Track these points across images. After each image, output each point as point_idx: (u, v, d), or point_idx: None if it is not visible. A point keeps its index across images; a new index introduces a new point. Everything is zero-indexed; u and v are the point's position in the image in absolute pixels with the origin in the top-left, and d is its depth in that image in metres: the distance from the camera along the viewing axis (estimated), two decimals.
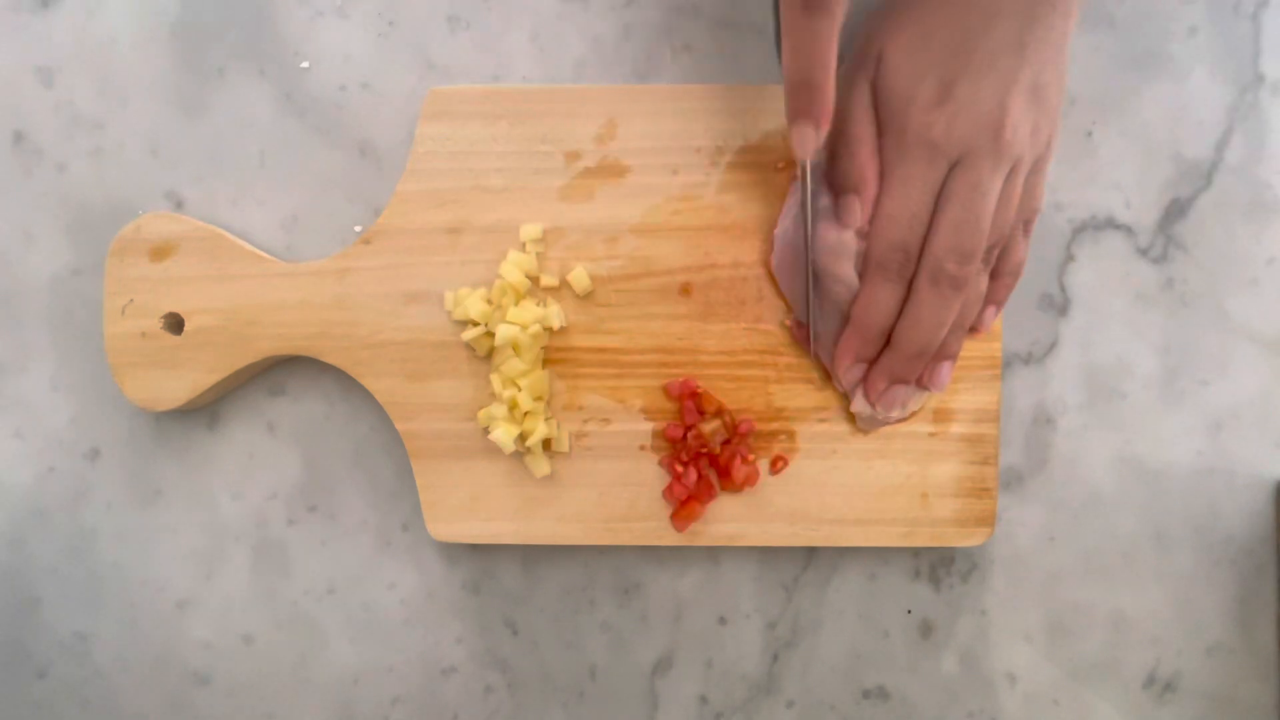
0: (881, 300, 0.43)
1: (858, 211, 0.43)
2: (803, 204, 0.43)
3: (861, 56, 0.42)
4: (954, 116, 0.40)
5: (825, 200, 0.44)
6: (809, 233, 0.44)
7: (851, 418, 0.47)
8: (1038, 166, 0.42)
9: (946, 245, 0.41)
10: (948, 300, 0.42)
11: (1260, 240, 0.49)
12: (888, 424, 0.47)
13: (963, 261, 0.41)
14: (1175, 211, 0.49)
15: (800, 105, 0.40)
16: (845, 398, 0.47)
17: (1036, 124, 0.40)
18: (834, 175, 0.44)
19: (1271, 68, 0.49)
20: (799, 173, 0.43)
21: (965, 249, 0.41)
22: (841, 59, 0.40)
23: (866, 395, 0.46)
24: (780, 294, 0.47)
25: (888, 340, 0.44)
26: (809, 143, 0.41)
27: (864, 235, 0.43)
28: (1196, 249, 0.49)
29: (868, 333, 0.44)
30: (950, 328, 0.44)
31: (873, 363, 0.45)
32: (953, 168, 0.41)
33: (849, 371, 0.45)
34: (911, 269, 0.43)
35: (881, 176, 0.42)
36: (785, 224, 0.46)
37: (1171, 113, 0.49)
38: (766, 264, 0.47)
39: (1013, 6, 0.39)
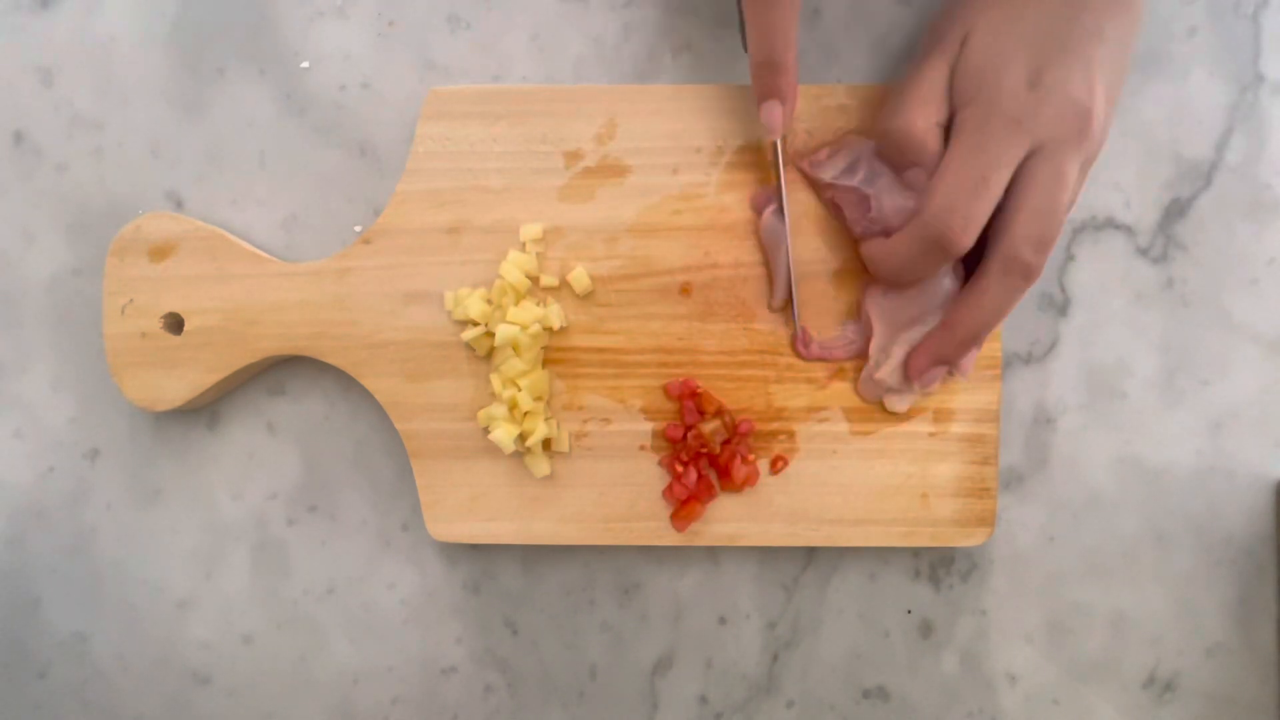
0: (919, 265, 0.42)
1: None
2: (776, 185, 0.44)
3: (941, 37, 0.42)
4: (1042, 102, 0.39)
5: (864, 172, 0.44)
6: (785, 210, 0.45)
7: (853, 416, 0.47)
8: (1091, 163, 0.42)
9: (1025, 233, 0.40)
10: (1017, 289, 0.41)
11: (1260, 240, 0.49)
12: (895, 395, 0.47)
13: (1040, 251, 0.40)
14: (1175, 211, 0.49)
15: (767, 85, 0.41)
16: (842, 396, 0.47)
17: (1107, 118, 0.40)
18: (891, 155, 0.43)
19: (1271, 68, 0.49)
20: (771, 154, 0.44)
21: (1045, 238, 0.40)
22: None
23: (907, 372, 0.45)
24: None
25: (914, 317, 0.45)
26: (777, 121, 0.42)
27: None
28: (1196, 249, 0.49)
29: (901, 291, 0.44)
30: None
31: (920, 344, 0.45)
32: (1031, 154, 0.40)
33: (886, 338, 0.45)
34: (959, 249, 0.41)
35: (951, 142, 0.41)
36: (767, 210, 0.47)
37: (1171, 113, 0.49)
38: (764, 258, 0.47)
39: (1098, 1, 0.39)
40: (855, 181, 0.45)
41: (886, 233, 0.44)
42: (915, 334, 0.45)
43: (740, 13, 0.43)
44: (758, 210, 0.47)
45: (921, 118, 0.41)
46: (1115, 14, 0.40)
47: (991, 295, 0.42)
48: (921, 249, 0.42)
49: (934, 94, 0.41)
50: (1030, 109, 0.39)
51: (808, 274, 0.47)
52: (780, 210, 0.46)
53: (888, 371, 0.46)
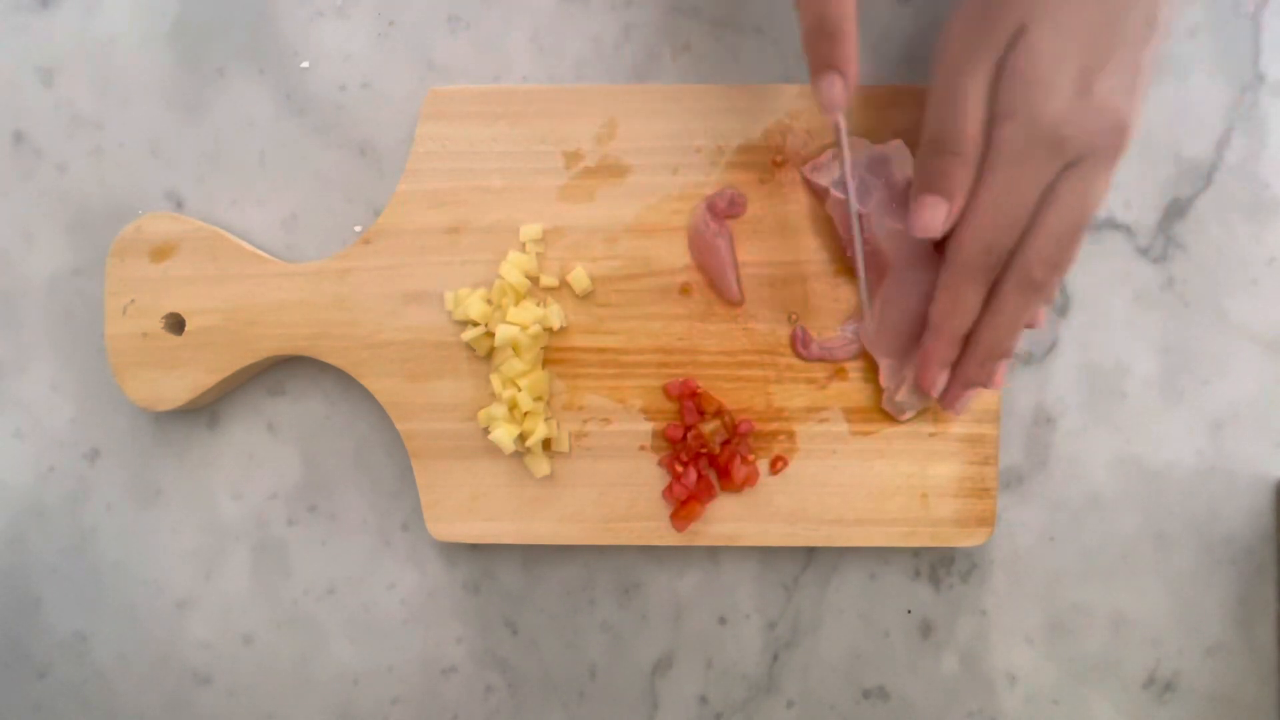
0: (965, 302, 0.40)
1: (942, 220, 0.39)
2: (842, 176, 0.41)
3: (991, 27, 0.38)
4: (1087, 113, 0.37)
5: (882, 189, 0.42)
6: (852, 204, 0.41)
7: (853, 416, 0.47)
8: None
9: (1042, 255, 0.39)
10: (1031, 306, 0.40)
11: (1260, 240, 0.49)
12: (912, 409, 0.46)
13: (1053, 270, 0.39)
14: (1175, 211, 0.49)
15: (822, 55, 0.37)
16: (842, 396, 0.47)
17: (1140, 122, 0.38)
18: (923, 168, 0.40)
19: (1271, 68, 0.49)
20: (834, 135, 0.40)
21: (1059, 259, 0.39)
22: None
23: (944, 402, 0.44)
24: (783, 297, 0.47)
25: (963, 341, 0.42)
26: (838, 96, 0.38)
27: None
28: (1196, 249, 0.49)
29: (951, 336, 0.41)
30: None
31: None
32: (1067, 166, 0.38)
33: (939, 379, 0.43)
34: (997, 272, 0.40)
35: (987, 163, 0.38)
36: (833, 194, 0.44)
37: (1171, 113, 0.49)
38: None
39: None
40: (851, 194, 0.44)
41: (877, 254, 0.44)
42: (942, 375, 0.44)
43: None
44: (717, 215, 0.46)
45: (972, 126, 0.38)
46: (1162, 1, 0.36)
47: (1008, 313, 0.40)
48: (973, 294, 0.40)
49: (978, 99, 0.38)
50: (1075, 121, 0.37)
51: (808, 274, 0.47)
52: (846, 193, 0.43)
53: (905, 394, 0.46)
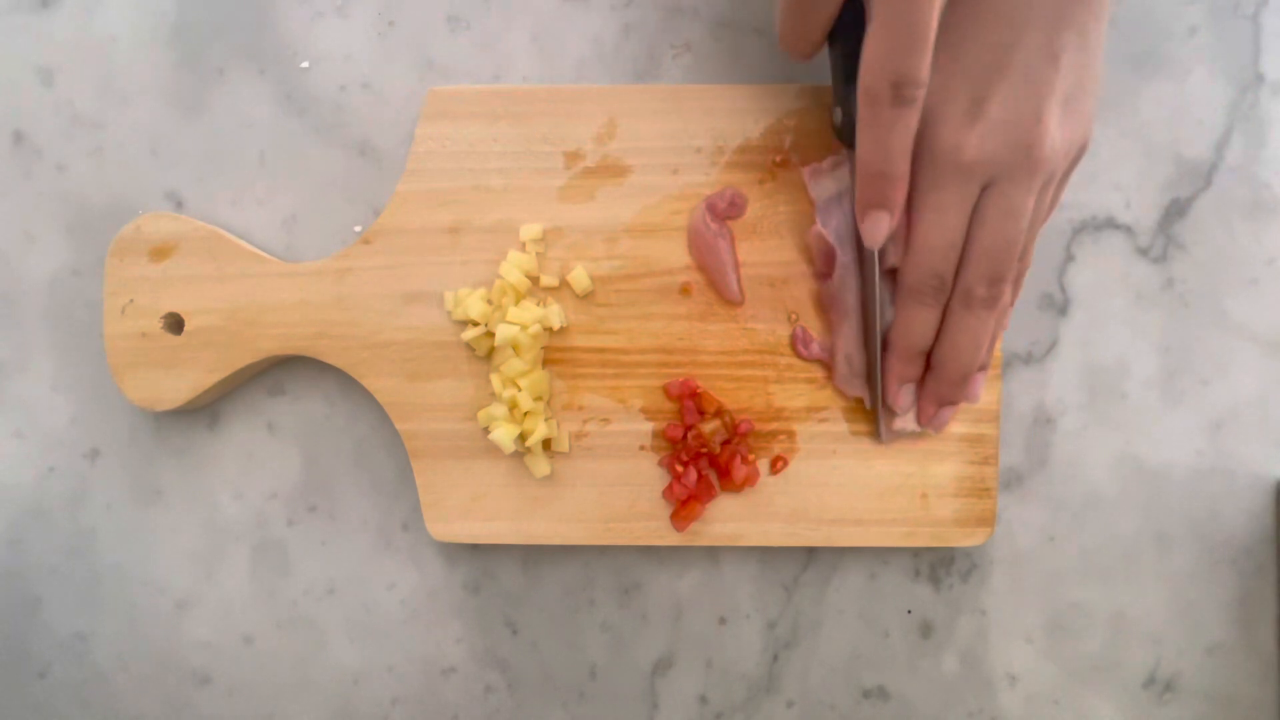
0: (918, 324, 0.42)
1: (885, 231, 0.41)
2: (869, 293, 0.44)
3: None
4: (986, 136, 0.38)
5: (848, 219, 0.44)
6: (874, 315, 0.43)
7: (853, 416, 0.47)
8: (1066, 172, 0.41)
9: (979, 272, 0.40)
10: (983, 320, 0.42)
11: (1260, 240, 0.49)
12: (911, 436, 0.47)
13: (994, 284, 0.41)
14: (1175, 211, 0.49)
15: (876, 196, 0.39)
16: (842, 396, 0.47)
17: (1071, 133, 0.39)
18: (861, 188, 0.42)
19: (1271, 68, 0.49)
20: (865, 261, 0.43)
21: (997, 274, 0.40)
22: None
23: (919, 420, 0.45)
24: (783, 297, 0.47)
25: (928, 362, 0.44)
26: (882, 233, 0.40)
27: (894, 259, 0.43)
28: (1196, 249, 0.49)
29: (908, 354, 0.43)
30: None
31: (920, 384, 0.45)
32: (985, 187, 0.39)
33: (901, 396, 0.45)
34: (947, 293, 0.42)
35: (912, 199, 0.41)
36: (839, 280, 0.45)
37: (1171, 113, 0.49)
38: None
39: (1042, 13, 0.38)
40: (829, 233, 0.45)
41: (834, 301, 0.45)
42: (905, 390, 0.45)
43: (838, 107, 0.42)
44: (717, 215, 0.47)
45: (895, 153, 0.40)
46: (1066, 25, 0.38)
47: (964, 333, 0.42)
48: (922, 316, 0.42)
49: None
50: (974, 147, 0.38)
51: (808, 274, 0.47)
52: (868, 316, 0.44)
53: (901, 423, 0.46)
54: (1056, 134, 0.38)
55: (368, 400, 0.50)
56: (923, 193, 0.40)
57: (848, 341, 0.46)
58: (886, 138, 0.38)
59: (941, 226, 0.40)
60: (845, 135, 0.42)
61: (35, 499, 0.51)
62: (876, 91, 0.37)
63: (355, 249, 0.48)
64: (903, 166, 0.39)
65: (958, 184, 0.39)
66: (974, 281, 0.41)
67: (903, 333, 0.43)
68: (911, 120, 0.38)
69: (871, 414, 0.47)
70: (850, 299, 0.45)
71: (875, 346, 0.44)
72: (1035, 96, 0.38)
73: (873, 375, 0.45)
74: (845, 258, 0.45)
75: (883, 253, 0.43)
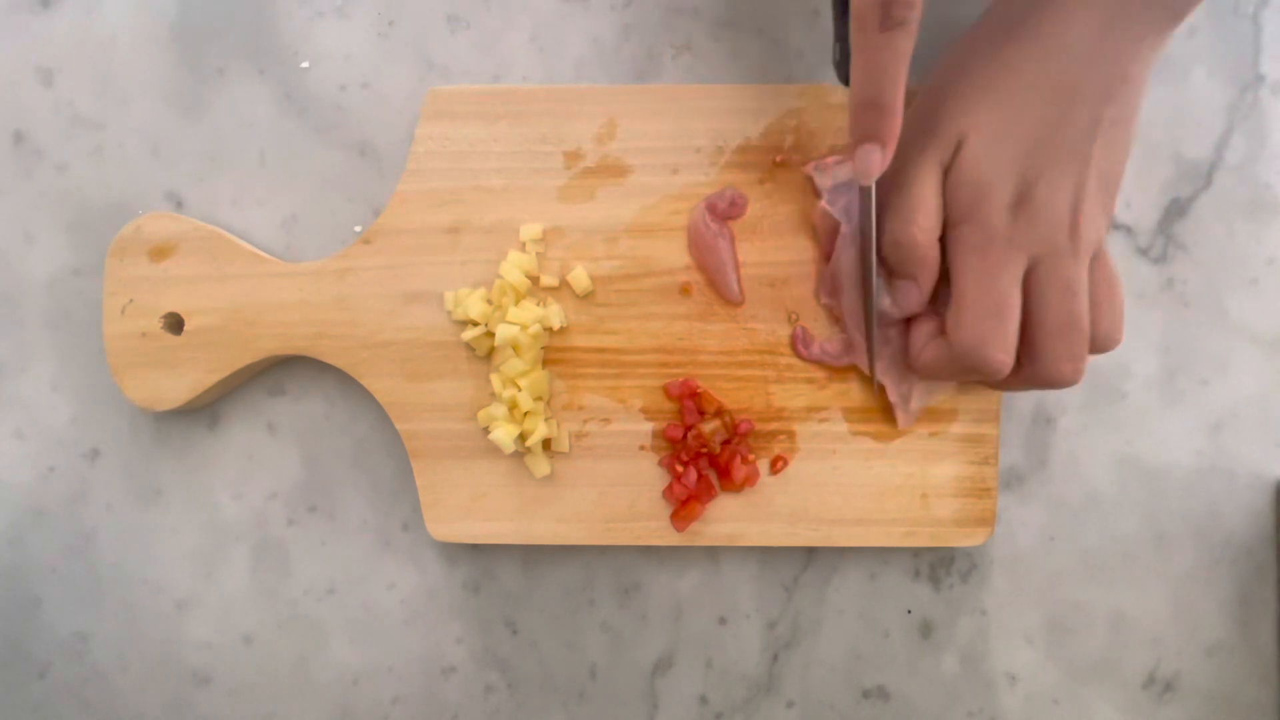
0: (959, 378, 0.43)
1: (915, 299, 0.42)
2: (863, 231, 0.43)
3: (936, 136, 0.41)
4: (1032, 219, 0.39)
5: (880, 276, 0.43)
6: (871, 257, 0.43)
7: (853, 416, 0.47)
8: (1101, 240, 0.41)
9: (1057, 354, 0.40)
10: (1074, 371, 0.41)
11: (1260, 240, 0.49)
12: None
13: (1076, 360, 0.40)
14: (1175, 211, 0.49)
15: (868, 126, 0.38)
16: (842, 396, 0.47)
17: (1105, 206, 0.40)
18: (892, 258, 0.42)
19: (1271, 68, 0.49)
20: (859, 197, 0.42)
21: (1076, 351, 0.40)
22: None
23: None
24: (783, 297, 0.47)
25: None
26: (875, 165, 0.39)
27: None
28: (1196, 249, 0.49)
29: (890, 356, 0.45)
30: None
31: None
32: (1036, 265, 0.39)
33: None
34: (1004, 369, 0.40)
35: (955, 263, 0.41)
36: (838, 254, 0.45)
37: (1171, 113, 0.49)
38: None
39: (1092, 88, 0.38)
40: (836, 210, 0.45)
41: (835, 279, 0.45)
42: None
43: (837, 43, 0.41)
44: (717, 215, 0.47)
45: (923, 232, 0.40)
46: (1111, 100, 0.38)
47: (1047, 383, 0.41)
48: (963, 372, 0.42)
49: (933, 203, 0.40)
50: (1020, 229, 0.39)
51: (808, 274, 0.47)
52: (865, 258, 0.44)
53: (915, 407, 0.46)
54: (1093, 212, 0.39)
55: (368, 400, 0.50)
56: (966, 259, 0.40)
57: (852, 315, 0.46)
58: (877, 61, 0.37)
59: (991, 290, 0.39)
60: (842, 70, 0.42)
61: (35, 499, 0.51)
62: (866, 13, 0.36)
63: (355, 249, 0.48)
64: (895, 95, 0.37)
65: (1009, 262, 0.39)
66: (1055, 365, 0.40)
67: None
68: (903, 45, 0.36)
69: (874, 413, 0.47)
70: (848, 268, 0.45)
71: (872, 314, 0.44)
72: (1077, 178, 0.39)
73: (870, 341, 0.45)
74: (847, 229, 0.45)
75: (879, 236, 0.42)
